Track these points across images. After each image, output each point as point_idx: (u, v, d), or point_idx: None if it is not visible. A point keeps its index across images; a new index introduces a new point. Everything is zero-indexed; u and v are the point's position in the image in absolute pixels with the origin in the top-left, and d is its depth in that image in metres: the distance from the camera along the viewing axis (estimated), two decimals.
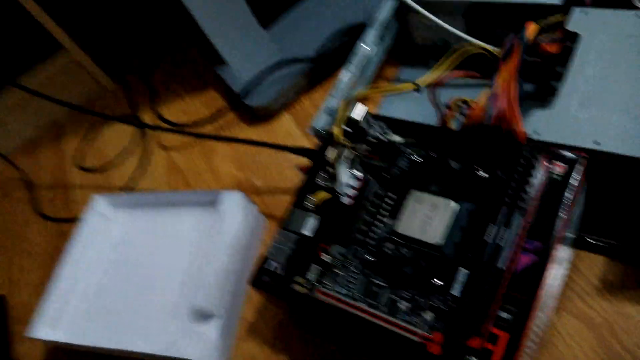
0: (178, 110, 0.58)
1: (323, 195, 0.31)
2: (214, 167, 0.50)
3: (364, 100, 0.35)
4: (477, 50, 0.30)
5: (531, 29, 0.30)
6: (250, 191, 0.47)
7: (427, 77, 0.30)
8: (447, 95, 0.37)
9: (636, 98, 0.30)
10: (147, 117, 0.59)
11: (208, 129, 0.54)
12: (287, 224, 0.33)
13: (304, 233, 0.32)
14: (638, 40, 0.32)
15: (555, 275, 0.28)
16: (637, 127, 0.28)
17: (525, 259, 0.27)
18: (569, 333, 0.30)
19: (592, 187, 0.30)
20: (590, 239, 0.32)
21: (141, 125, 0.57)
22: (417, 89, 0.31)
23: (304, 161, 0.39)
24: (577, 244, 0.32)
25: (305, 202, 0.33)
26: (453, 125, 0.37)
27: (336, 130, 0.32)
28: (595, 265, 0.32)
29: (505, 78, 0.28)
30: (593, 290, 0.31)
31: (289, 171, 0.46)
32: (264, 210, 0.45)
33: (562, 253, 0.28)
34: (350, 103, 0.32)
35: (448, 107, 0.37)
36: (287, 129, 0.50)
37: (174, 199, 0.45)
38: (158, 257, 0.43)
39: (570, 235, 0.29)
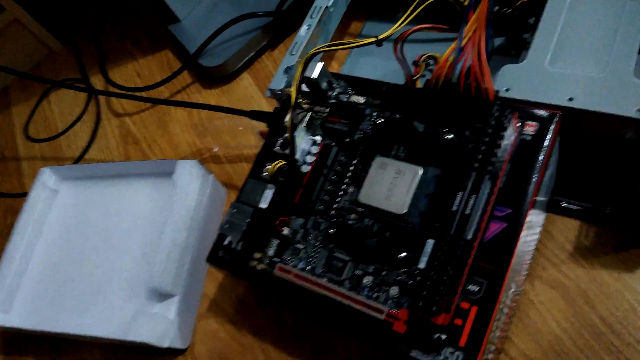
0: (131, 72, 0.54)
1: (278, 163, 0.29)
2: (170, 133, 0.47)
3: (325, 58, 0.32)
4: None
5: None
6: (210, 159, 0.44)
7: (390, 30, 0.27)
8: (415, 51, 0.34)
9: (611, 50, 0.27)
10: (98, 81, 0.54)
11: (163, 93, 0.50)
12: (242, 195, 0.31)
13: (259, 206, 0.30)
14: None
15: (526, 242, 0.26)
16: (612, 81, 0.26)
17: (494, 227, 0.25)
18: (542, 301, 0.29)
19: (565, 146, 0.28)
20: (564, 202, 0.30)
21: (92, 92, 0.53)
22: (379, 43, 0.28)
23: (265, 126, 0.36)
24: (550, 208, 0.31)
25: (263, 172, 0.31)
26: (420, 83, 0.34)
27: (292, 92, 0.29)
28: (569, 229, 0.30)
29: (473, 29, 0.26)
30: (567, 256, 0.30)
31: (250, 136, 0.43)
32: (224, 179, 0.42)
33: (534, 218, 0.27)
34: (306, 60, 0.29)
35: (415, 63, 0.35)
36: (247, 90, 0.47)
37: (126, 169, 0.42)
38: (111, 232, 0.40)
39: (542, 199, 0.28)
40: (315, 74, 0.30)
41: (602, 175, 0.29)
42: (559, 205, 0.30)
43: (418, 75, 0.34)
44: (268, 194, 0.30)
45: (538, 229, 0.29)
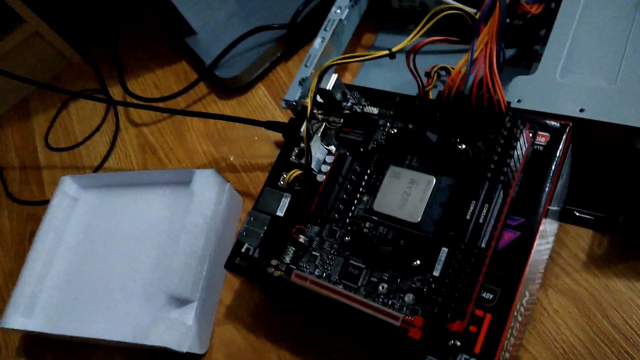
0: (148, 83, 0.55)
1: (294, 173, 0.30)
2: (187, 143, 0.48)
3: (338, 70, 0.33)
4: (454, 11, 0.28)
5: None
6: (226, 168, 0.45)
7: (403, 43, 0.28)
8: (427, 63, 0.35)
9: (621, 61, 0.28)
10: (117, 92, 0.56)
11: (180, 103, 0.51)
12: (258, 204, 0.31)
13: (276, 214, 0.30)
14: (622, 1, 0.30)
15: (539, 251, 0.27)
16: (622, 92, 0.27)
17: (508, 236, 0.25)
18: (556, 310, 0.29)
19: (577, 157, 0.28)
20: (577, 211, 0.31)
21: (110, 102, 0.54)
22: (391, 56, 0.28)
23: (280, 136, 0.37)
24: (563, 217, 0.31)
25: (279, 181, 0.32)
26: (433, 94, 0.35)
27: (307, 103, 0.30)
28: (582, 238, 0.30)
29: (484, 41, 0.26)
30: (580, 264, 0.30)
31: (265, 146, 0.44)
32: (240, 188, 0.43)
33: (547, 227, 0.27)
34: (321, 73, 0.30)
35: (428, 75, 0.35)
36: (261, 101, 0.48)
37: (145, 178, 0.43)
38: (130, 239, 0.41)
39: (555, 208, 0.28)
40: (329, 85, 0.31)
41: (614, 185, 0.30)
42: (572, 215, 0.31)
43: (430, 85, 0.35)
44: (284, 202, 0.30)
45: (551, 238, 0.30)
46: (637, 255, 0.29)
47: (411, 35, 0.28)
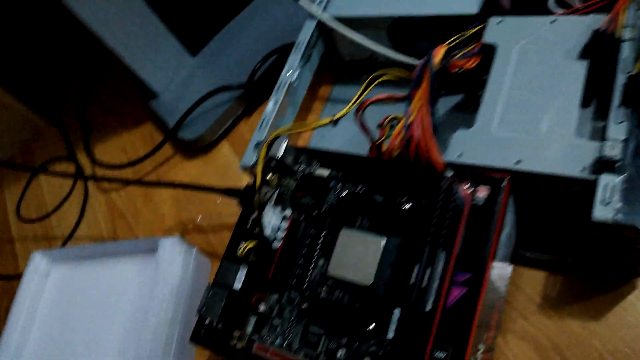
0: (116, 147, 0.56)
1: (248, 244, 0.30)
2: (155, 207, 0.49)
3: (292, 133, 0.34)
4: (392, 77, 0.29)
5: (438, 56, 0.29)
6: (192, 230, 0.45)
7: (343, 110, 0.29)
8: (379, 113, 0.36)
9: (554, 109, 0.29)
10: (85, 159, 0.56)
11: (147, 166, 0.52)
12: (217, 278, 0.32)
13: (234, 287, 0.31)
14: (554, 47, 0.31)
15: (492, 299, 0.27)
16: (555, 142, 0.28)
17: (456, 292, 0.26)
18: (515, 355, 0.30)
19: (520, 204, 0.29)
20: (528, 254, 0.31)
21: (79, 172, 0.55)
22: (335, 123, 0.30)
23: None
24: (515, 260, 0.32)
25: (237, 251, 0.32)
26: (386, 145, 0.36)
27: (257, 173, 0.31)
28: (535, 281, 0.31)
29: (417, 107, 0.28)
30: (535, 308, 0.31)
31: (231, 205, 0.45)
32: (208, 249, 0.43)
33: (497, 276, 0.28)
34: (270, 142, 0.31)
35: (380, 126, 0.36)
36: (226, 158, 0.49)
37: (113, 249, 0.43)
38: (102, 311, 0.41)
39: (501, 258, 0.29)
40: (279, 153, 0.32)
41: (560, 228, 0.31)
42: (524, 257, 0.32)
43: (383, 137, 0.36)
44: (241, 274, 0.31)
45: (505, 282, 0.30)
46: (588, 295, 0.30)
47: (351, 103, 0.29)
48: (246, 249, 0.30)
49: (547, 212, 0.30)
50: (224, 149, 0.50)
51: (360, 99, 0.30)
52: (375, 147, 0.35)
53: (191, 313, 0.38)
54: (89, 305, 0.42)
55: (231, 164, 0.48)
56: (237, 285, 0.31)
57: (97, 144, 0.57)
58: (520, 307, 0.31)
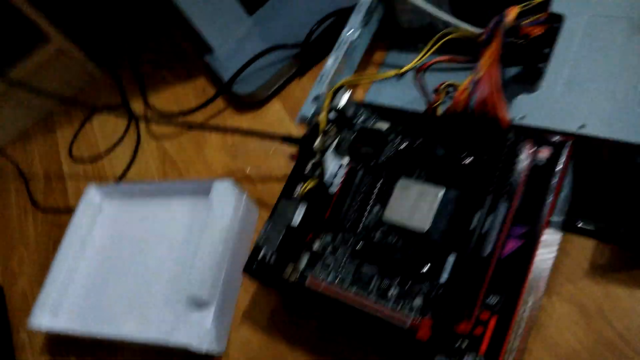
0: (168, 98, 0.57)
1: (309, 184, 0.32)
2: (205, 155, 0.50)
3: (350, 87, 0.35)
4: (459, 35, 0.30)
5: (511, 14, 0.29)
6: (242, 179, 0.47)
7: (410, 65, 0.30)
8: (436, 80, 0.37)
9: (620, 80, 0.29)
10: (138, 106, 0.58)
11: (198, 118, 0.53)
12: (275, 213, 0.33)
13: (292, 223, 0.32)
14: (621, 21, 0.31)
15: (543, 259, 0.28)
16: (621, 109, 0.28)
17: (512, 244, 0.27)
18: (560, 316, 0.30)
19: (579, 170, 0.30)
20: (579, 222, 0.32)
21: (132, 117, 0.57)
22: (400, 76, 0.30)
23: (294, 150, 0.39)
24: (566, 228, 0.32)
25: (294, 192, 0.33)
26: (440, 110, 0.37)
27: (321, 120, 0.32)
28: (585, 248, 0.32)
29: (487, 64, 0.28)
30: (583, 273, 0.31)
31: (280, 158, 0.46)
32: (256, 198, 0.45)
33: (550, 237, 0.29)
34: (334, 91, 0.32)
35: (436, 91, 0.37)
36: (277, 116, 0.50)
37: (165, 188, 0.45)
38: (152, 245, 0.43)
39: (557, 219, 0.30)
40: (341, 103, 0.33)
41: (615, 197, 0.31)
42: (575, 226, 0.32)
43: (438, 102, 0.37)
44: (299, 212, 0.32)
45: (555, 248, 0.31)
46: (638, 265, 0.30)
47: (418, 57, 0.30)
48: (307, 188, 0.31)
49: (605, 179, 0.30)
50: (275, 106, 0.51)
51: (427, 55, 0.30)
52: (431, 109, 0.36)
53: (238, 253, 0.40)
54: (140, 240, 0.44)
55: (281, 121, 0.50)
56: (295, 221, 0.32)
57: (150, 94, 0.58)
58: (568, 271, 0.32)
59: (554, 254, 0.31)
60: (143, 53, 0.63)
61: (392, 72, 0.31)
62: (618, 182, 0.30)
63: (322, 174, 0.31)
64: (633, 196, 0.30)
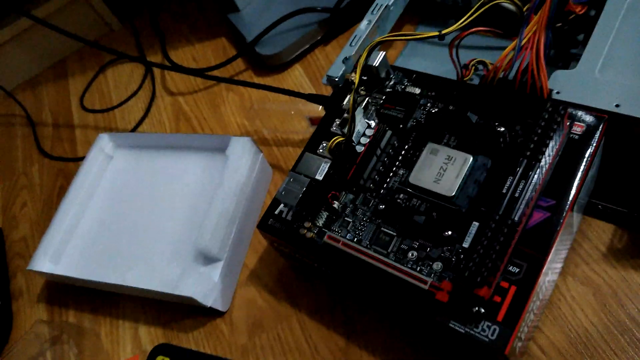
0: (187, 55, 0.56)
1: (337, 139, 0.31)
2: (221, 114, 0.50)
3: (382, 49, 0.34)
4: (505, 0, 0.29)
5: None
6: (258, 141, 0.46)
7: (454, 27, 0.30)
8: (464, 55, 0.36)
9: None
10: (155, 59, 0.57)
11: (219, 75, 0.52)
12: (298, 166, 0.33)
13: (314, 177, 0.32)
14: None
15: (564, 237, 0.28)
16: None
17: (538, 215, 0.27)
18: (573, 296, 0.30)
19: (608, 151, 0.30)
20: (601, 205, 0.32)
21: (149, 64, 0.56)
22: (441, 37, 0.30)
23: (315, 112, 0.39)
24: (587, 210, 0.32)
25: (319, 148, 0.33)
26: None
27: (355, 76, 0.31)
28: (604, 231, 0.32)
29: (533, 30, 0.28)
30: (599, 256, 0.31)
31: (299, 122, 0.46)
32: (271, 160, 0.44)
33: (574, 215, 0.28)
34: (371, 48, 0.31)
35: (465, 67, 0.37)
36: (297, 80, 0.49)
37: (180, 141, 0.44)
38: (164, 197, 0.43)
39: (583, 197, 0.29)
40: (377, 62, 0.32)
41: (638, 183, 0.31)
42: (596, 208, 0.32)
43: (468, 77, 0.36)
44: (324, 167, 0.32)
45: (575, 228, 0.31)
46: None
47: (463, 19, 0.29)
48: (335, 142, 0.31)
49: (631, 163, 0.30)
50: (296, 71, 0.50)
51: (471, 18, 0.30)
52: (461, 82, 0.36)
53: (249, 211, 0.39)
54: (150, 191, 0.44)
55: (301, 86, 0.49)
56: (319, 177, 0.32)
57: (169, 49, 0.57)
58: (585, 253, 0.31)
59: (573, 235, 0.31)
60: (165, 7, 0.62)
61: (431, 33, 0.30)
62: None
63: (350, 131, 0.31)
64: None
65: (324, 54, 0.50)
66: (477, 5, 0.30)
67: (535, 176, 0.27)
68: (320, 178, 0.32)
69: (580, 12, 0.33)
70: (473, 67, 0.37)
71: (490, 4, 0.30)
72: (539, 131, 0.27)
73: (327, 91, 0.40)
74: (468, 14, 0.30)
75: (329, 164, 0.32)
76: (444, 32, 0.30)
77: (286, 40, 0.49)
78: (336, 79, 0.37)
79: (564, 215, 0.26)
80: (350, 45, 0.38)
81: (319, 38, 0.50)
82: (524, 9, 0.30)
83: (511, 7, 0.31)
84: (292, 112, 0.45)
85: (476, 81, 0.37)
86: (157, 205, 0.42)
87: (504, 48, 0.31)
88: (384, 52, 0.33)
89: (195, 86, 0.53)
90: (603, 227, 0.32)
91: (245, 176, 0.39)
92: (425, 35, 0.30)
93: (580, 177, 0.27)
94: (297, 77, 0.50)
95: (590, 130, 0.28)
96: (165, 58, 0.56)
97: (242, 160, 0.40)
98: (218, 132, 0.49)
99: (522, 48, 0.28)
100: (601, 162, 0.30)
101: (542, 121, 0.27)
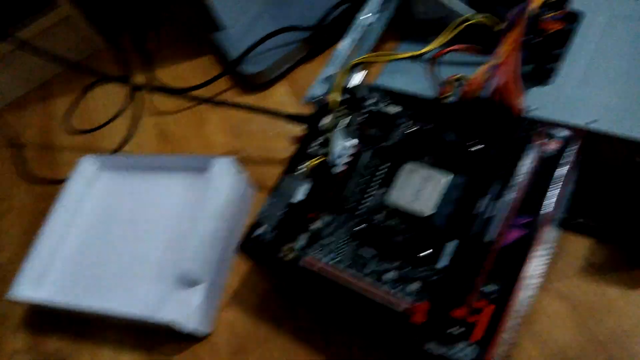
0: (172, 74, 0.57)
1: (315, 160, 0.31)
2: (204, 134, 0.50)
3: (363, 68, 0.34)
4: (478, 20, 0.29)
5: (536, 2, 0.29)
6: (241, 160, 0.46)
7: (430, 46, 0.30)
8: (445, 72, 0.37)
9: (632, 80, 0.29)
10: (139, 80, 0.57)
11: (202, 95, 0.52)
12: (277, 189, 0.33)
13: (293, 200, 0.32)
14: (637, 23, 0.31)
15: (541, 253, 0.28)
16: (632, 108, 0.28)
17: (513, 234, 0.27)
18: (551, 312, 0.30)
19: (585, 167, 0.30)
20: (578, 219, 0.32)
21: (133, 86, 0.56)
22: (416, 57, 0.30)
23: (298, 131, 0.39)
24: (565, 225, 0.32)
25: (297, 170, 0.33)
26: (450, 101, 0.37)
27: (334, 97, 0.31)
28: (581, 247, 0.32)
29: (508, 49, 0.28)
30: (577, 271, 0.31)
31: (280, 141, 0.46)
32: (253, 180, 0.44)
33: (550, 232, 0.28)
34: (348, 71, 0.31)
35: (444, 84, 0.37)
36: (281, 98, 0.49)
37: (162, 162, 0.44)
38: (144, 220, 0.42)
39: (559, 215, 0.29)
40: (356, 82, 0.32)
41: (616, 197, 0.31)
42: (574, 222, 0.32)
43: (447, 94, 0.37)
44: (303, 189, 0.32)
45: (553, 244, 0.31)
46: (632, 267, 0.30)
47: (438, 39, 0.30)
48: (313, 163, 0.31)
49: (608, 178, 0.30)
50: (281, 89, 0.50)
51: (447, 38, 0.30)
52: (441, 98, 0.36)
53: (231, 233, 0.39)
54: (133, 214, 0.43)
55: (285, 104, 0.49)
56: (297, 199, 0.31)
57: (154, 69, 0.58)
58: (563, 268, 0.31)
59: (551, 250, 0.31)
60: (149, 27, 0.62)
61: (409, 53, 0.30)
62: (620, 182, 0.30)
63: (329, 152, 0.31)
64: (633, 198, 0.30)
65: (307, 70, 0.50)
66: (455, 24, 0.30)
67: (510, 195, 0.27)
68: (300, 200, 0.31)
69: (555, 29, 0.33)
70: (452, 84, 0.37)
71: (465, 23, 0.30)
72: (511, 152, 0.27)
73: (313, 109, 0.40)
74: (445, 32, 0.30)
75: (308, 185, 0.32)
76: (421, 52, 0.30)
77: (270, 59, 0.49)
78: (317, 99, 0.37)
79: (539, 232, 0.26)
80: (331, 64, 0.39)
81: (303, 55, 0.50)
82: (499, 27, 0.30)
83: (487, 23, 0.31)
84: (276, 131, 0.45)
85: (456, 96, 0.37)
86: (140, 227, 0.42)
87: (483, 62, 0.31)
88: (365, 72, 0.33)
89: (179, 105, 0.53)
90: (581, 242, 0.32)
91: (227, 198, 0.39)
92: (402, 56, 0.30)
93: (556, 195, 0.27)
94: (281, 95, 0.50)
95: (566, 147, 0.28)
96: (150, 78, 0.56)
97: (224, 181, 0.39)
98: (202, 152, 0.49)
99: (497, 67, 0.28)
100: (578, 177, 0.30)
101: (515, 142, 0.27)
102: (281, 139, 0.46)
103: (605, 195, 0.31)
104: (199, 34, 0.58)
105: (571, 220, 0.32)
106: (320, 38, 0.48)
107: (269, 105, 0.49)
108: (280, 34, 0.48)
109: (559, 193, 0.27)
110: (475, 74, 0.29)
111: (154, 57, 0.59)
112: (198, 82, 0.52)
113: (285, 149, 0.45)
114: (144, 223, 0.42)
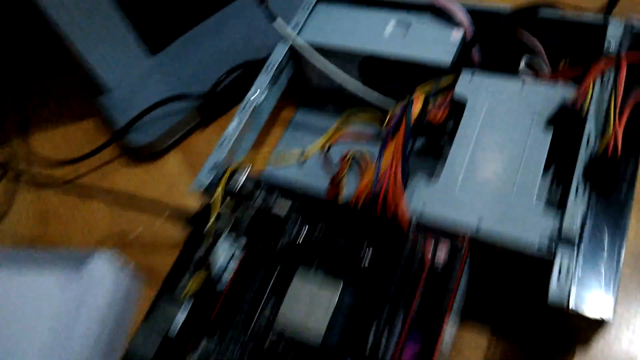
0: (56, 140, 0.51)
1: (194, 282, 0.28)
2: (89, 213, 0.45)
3: (251, 155, 0.32)
4: (366, 119, 0.28)
5: (416, 106, 0.28)
6: (128, 243, 0.42)
7: (312, 149, 0.28)
8: (343, 147, 0.36)
9: (516, 176, 0.29)
10: (16, 151, 0.51)
11: (85, 168, 0.48)
12: (151, 317, 0.29)
13: (170, 327, 0.28)
14: (521, 110, 0.32)
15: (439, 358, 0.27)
16: (516, 206, 0.28)
17: (410, 349, 0.25)
18: None
19: (475, 264, 0.29)
20: (474, 307, 0.31)
21: (6, 167, 0.50)
22: (303, 161, 0.28)
23: (193, 208, 0.36)
24: (462, 315, 0.32)
25: (177, 287, 0.30)
26: (344, 182, 0.35)
27: (215, 203, 0.29)
28: (476, 345, 0.31)
29: (389, 160, 0.27)
30: None
31: (172, 223, 0.42)
32: (143, 265, 0.40)
33: (447, 334, 0.28)
34: (229, 175, 0.29)
35: (341, 160, 0.36)
36: (174, 170, 0.46)
37: (35, 257, 0.39)
38: (15, 328, 0.37)
39: (454, 316, 0.29)
40: (238, 185, 0.30)
41: (511, 289, 0.31)
42: (470, 310, 0.31)
43: (342, 173, 0.35)
44: (180, 316, 0.28)
45: (450, 342, 0.30)
46: None
47: (321, 140, 0.28)
48: (190, 291, 0.28)
49: (500, 272, 0.30)
50: (173, 159, 0.47)
51: (330, 136, 0.28)
52: (335, 183, 0.35)
53: (116, 337, 0.35)
54: (6, 316, 0.38)
55: (179, 176, 0.46)
56: (174, 329, 0.28)
57: (33, 137, 0.52)
58: None
59: (449, 350, 0.30)
60: (33, 90, 0.56)
61: (294, 158, 0.28)
62: (513, 275, 0.30)
63: (211, 267, 0.28)
64: (527, 289, 0.30)
65: (202, 137, 0.47)
66: (335, 127, 0.29)
67: (400, 317, 0.25)
68: (176, 331, 0.28)
69: (442, 118, 0.33)
70: (348, 162, 0.36)
71: (351, 117, 0.28)
72: (400, 265, 0.26)
73: (201, 200, 0.37)
74: (327, 134, 0.28)
75: (188, 307, 0.29)
76: (303, 158, 0.28)
77: (160, 127, 0.46)
78: (204, 188, 0.34)
79: (435, 344, 0.25)
80: (220, 148, 0.36)
81: (196, 122, 0.47)
82: (383, 127, 0.29)
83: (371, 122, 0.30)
84: (168, 212, 0.42)
85: (352, 178, 0.36)
86: (9, 338, 0.37)
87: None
88: (248, 168, 0.31)
89: (62, 178, 0.48)
90: (476, 340, 0.32)
91: (109, 300, 0.35)
92: (285, 164, 0.28)
93: (447, 306, 0.26)
94: (176, 165, 0.46)
95: (453, 254, 0.27)
96: (27, 149, 0.50)
97: (104, 280, 0.35)
98: (86, 235, 0.44)
99: (380, 178, 0.27)
100: (471, 273, 0.30)
101: (403, 253, 0.26)
102: (173, 220, 0.42)
103: (500, 287, 0.31)
104: (86, 97, 0.53)
105: (467, 308, 0.31)
106: (212, 105, 0.46)
107: (163, 175, 0.46)
108: (168, 102, 0.45)
109: (451, 301, 0.26)
110: (360, 183, 0.28)
111: (36, 119, 0.53)
112: (85, 150, 0.48)
113: (179, 230, 0.42)
114: (14, 331, 0.37)
